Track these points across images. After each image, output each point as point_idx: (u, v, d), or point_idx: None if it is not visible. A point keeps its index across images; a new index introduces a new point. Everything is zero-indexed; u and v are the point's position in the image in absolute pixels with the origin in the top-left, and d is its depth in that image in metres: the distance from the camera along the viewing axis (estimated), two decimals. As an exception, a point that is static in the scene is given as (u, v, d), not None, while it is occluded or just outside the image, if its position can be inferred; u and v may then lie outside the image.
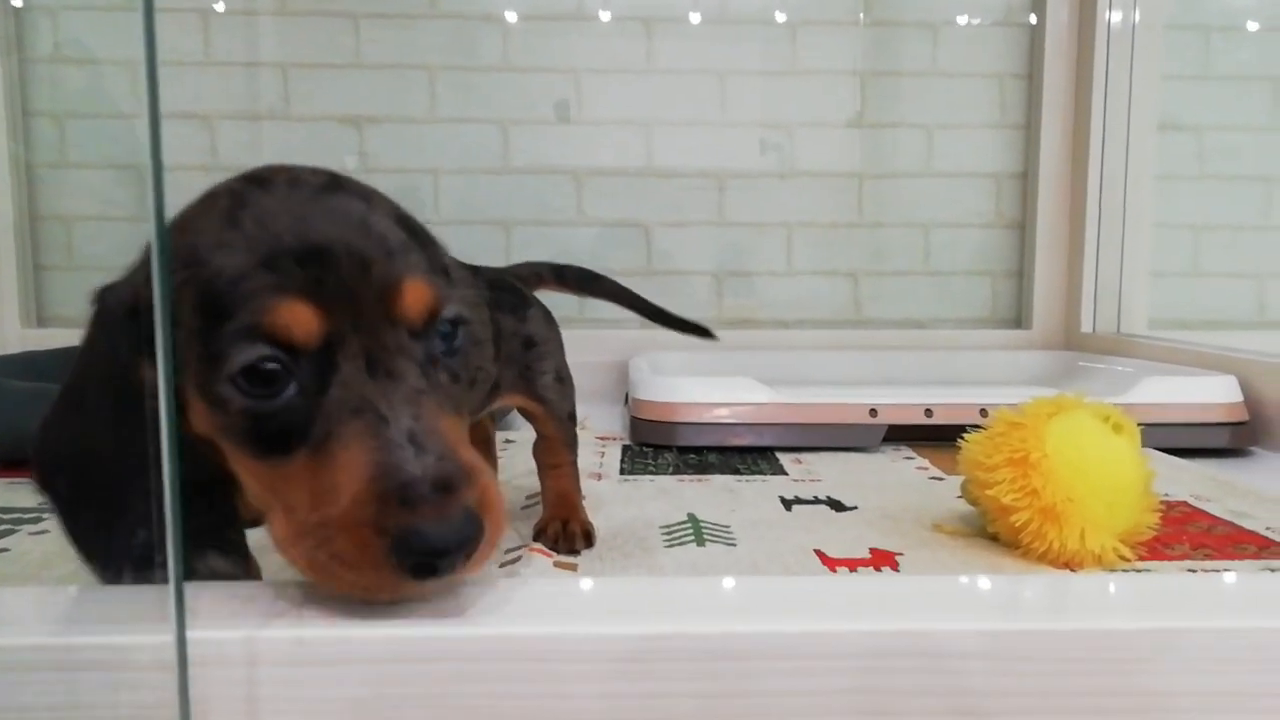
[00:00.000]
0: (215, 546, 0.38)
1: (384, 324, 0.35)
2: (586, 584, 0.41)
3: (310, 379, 0.34)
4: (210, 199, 0.38)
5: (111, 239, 1.45)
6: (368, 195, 0.39)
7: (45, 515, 0.72)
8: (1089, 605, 0.41)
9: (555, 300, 1.48)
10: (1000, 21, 1.47)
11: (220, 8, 1.43)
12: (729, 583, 0.42)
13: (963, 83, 1.48)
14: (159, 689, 0.26)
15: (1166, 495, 0.79)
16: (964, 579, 0.45)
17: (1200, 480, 0.85)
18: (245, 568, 0.40)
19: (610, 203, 1.47)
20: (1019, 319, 1.50)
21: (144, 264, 0.37)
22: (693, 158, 1.47)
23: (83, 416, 0.39)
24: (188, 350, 0.34)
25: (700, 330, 0.81)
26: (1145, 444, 0.65)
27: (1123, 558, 0.61)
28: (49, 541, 0.66)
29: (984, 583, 0.43)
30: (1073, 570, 0.61)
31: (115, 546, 0.37)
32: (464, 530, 0.32)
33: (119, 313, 0.37)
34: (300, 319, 0.33)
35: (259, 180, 0.37)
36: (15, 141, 1.41)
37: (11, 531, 0.68)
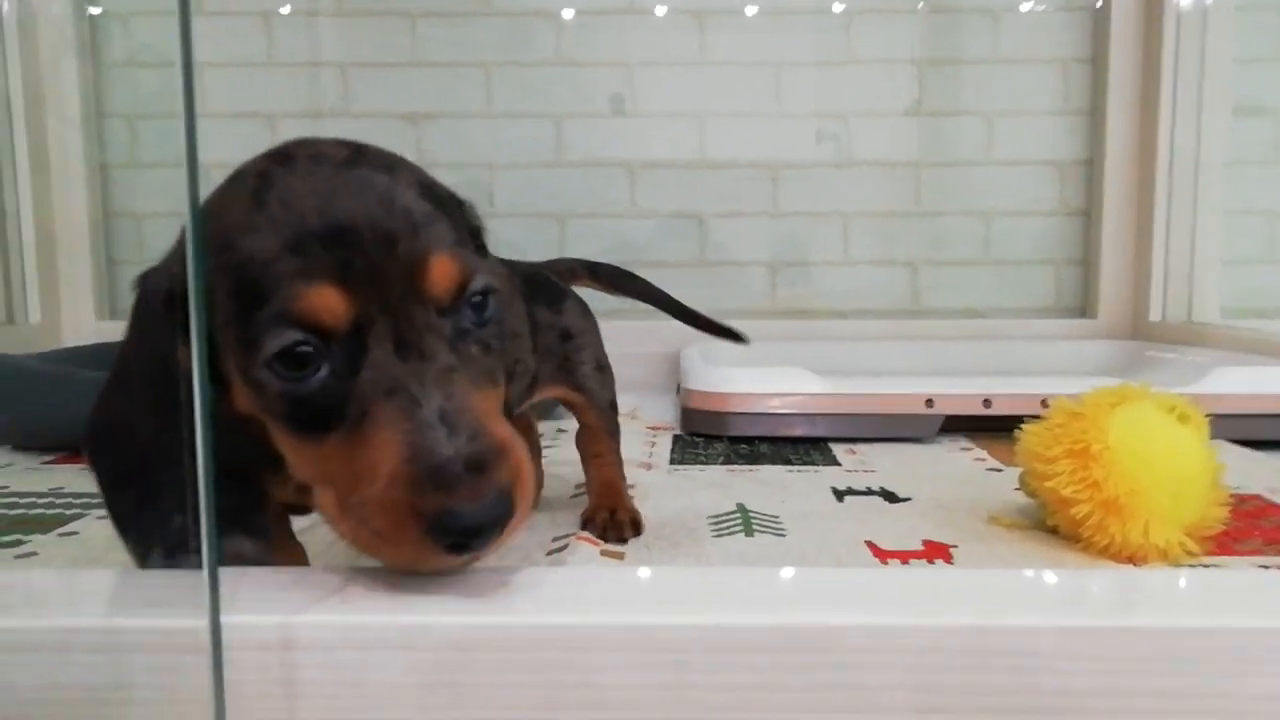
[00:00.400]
0: (242, 529, 0.39)
1: (412, 303, 0.35)
2: (632, 573, 0.41)
3: (342, 361, 0.34)
4: (237, 179, 0.38)
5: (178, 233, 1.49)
6: (391, 165, 0.38)
7: (113, 501, 0.75)
8: (1153, 601, 0.40)
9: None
10: (1063, 5, 1.43)
11: (286, 10, 1.46)
12: (778, 573, 0.42)
13: (1024, 69, 1.44)
14: (196, 672, 0.27)
15: (1238, 488, 0.76)
16: (1022, 572, 0.44)
17: (1275, 473, 0.81)
18: (269, 551, 0.41)
19: (664, 194, 1.47)
20: (1084, 308, 1.45)
21: (180, 249, 0.38)
22: (747, 148, 1.46)
23: (125, 399, 0.40)
24: (225, 333, 0.35)
25: (731, 334, 0.80)
26: (1217, 435, 0.63)
27: (1189, 552, 0.59)
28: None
29: (1043, 576, 0.42)
30: (1136, 565, 0.59)
31: (147, 528, 0.37)
32: (496, 509, 0.32)
33: (157, 298, 0.38)
34: (329, 304, 0.34)
35: (283, 157, 0.37)
36: (91, 142, 1.46)
37: (81, 515, 0.71)
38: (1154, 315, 1.36)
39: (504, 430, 0.35)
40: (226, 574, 0.31)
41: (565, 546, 0.63)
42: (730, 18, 1.44)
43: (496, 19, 1.45)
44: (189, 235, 0.30)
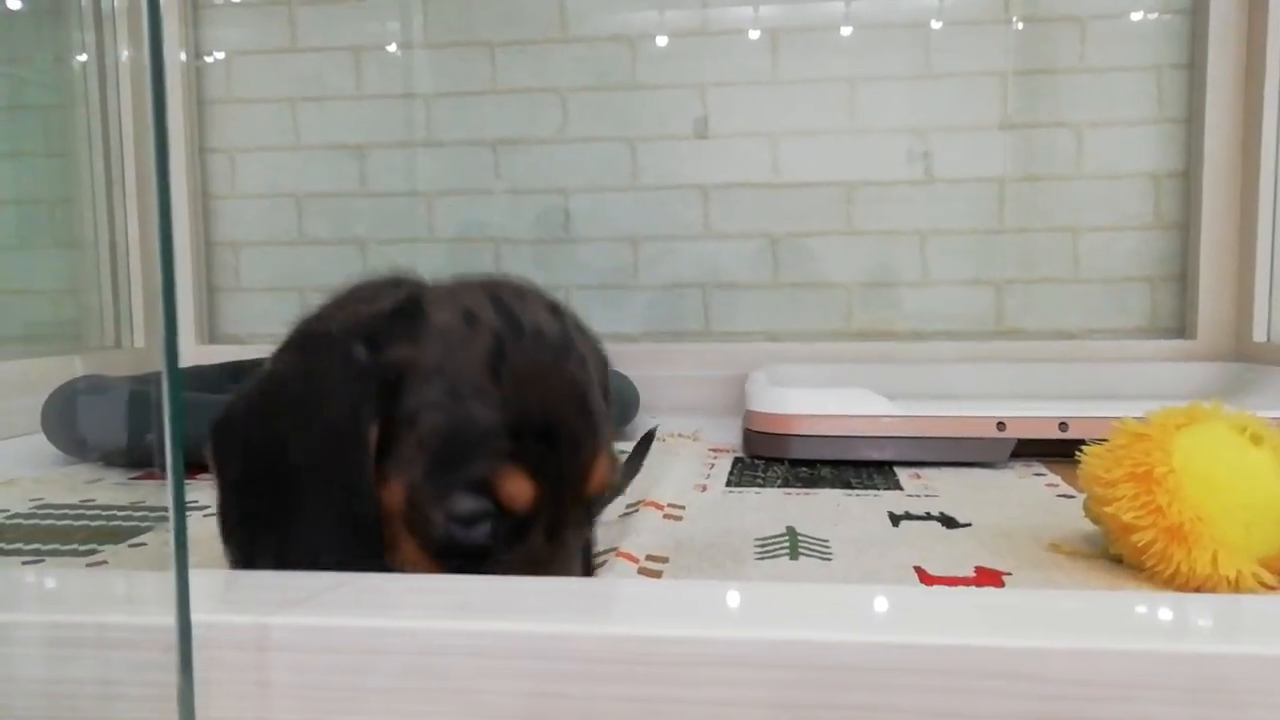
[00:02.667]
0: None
1: (571, 499, 0.41)
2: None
3: (506, 534, 0.40)
4: (470, 324, 0.41)
5: (275, 261, 1.57)
6: (584, 354, 0.44)
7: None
8: (1194, 627, 0.37)
9: (679, 312, 1.48)
10: (1157, 9, 1.37)
11: (382, 46, 1.52)
12: (802, 590, 0.41)
13: (1116, 77, 1.39)
14: (169, 670, 0.28)
15: (1332, 519, 0.70)
16: (1058, 595, 0.42)
17: (1380, 503, 0.75)
18: None
19: (739, 216, 1.46)
20: (1182, 328, 1.38)
21: (409, 343, 0.41)
22: (823, 168, 1.44)
23: (273, 425, 0.41)
24: (417, 454, 0.39)
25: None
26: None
27: (1263, 584, 0.55)
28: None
29: (1076, 601, 0.39)
30: (1202, 596, 0.55)
31: (257, 548, 0.40)
32: None
33: (373, 375, 0.40)
34: (522, 492, 0.39)
35: (509, 317, 0.42)
36: (193, 176, 1.54)
37: (152, 528, 0.74)
38: (1258, 335, 1.27)
39: None
40: (206, 575, 0.32)
41: (604, 563, 0.62)
42: (807, 35, 1.43)
43: (573, 45, 1.48)
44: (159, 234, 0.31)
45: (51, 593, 0.35)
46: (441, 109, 1.52)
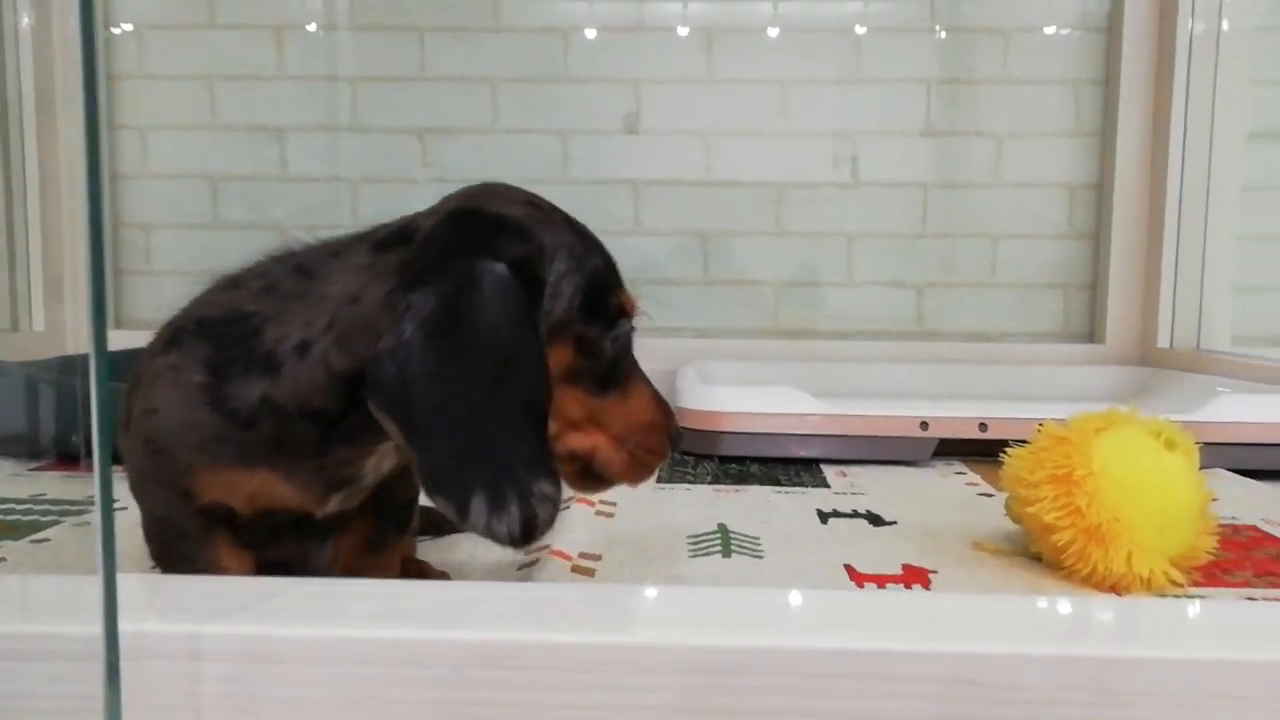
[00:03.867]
0: (545, 472, 0.42)
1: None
2: (558, 589, 0.40)
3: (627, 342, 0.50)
4: (543, 209, 0.49)
5: (188, 245, 1.50)
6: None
7: (90, 508, 0.75)
8: (1109, 629, 0.39)
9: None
10: (1076, 27, 1.42)
11: (303, 25, 1.47)
12: (728, 594, 0.41)
13: (1035, 90, 1.43)
14: (94, 681, 0.26)
15: (1233, 518, 0.74)
16: (983, 598, 0.43)
17: (1274, 503, 0.79)
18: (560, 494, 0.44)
19: (669, 213, 1.46)
20: (1092, 333, 1.43)
21: (490, 231, 0.45)
22: (753, 168, 1.45)
23: (464, 364, 0.42)
24: (574, 314, 0.46)
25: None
26: (1220, 464, 0.61)
27: (1173, 582, 0.57)
28: (89, 533, 0.68)
29: (1003, 603, 0.40)
30: (1118, 594, 0.57)
31: (475, 483, 0.40)
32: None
33: (516, 284, 0.44)
34: (633, 302, 0.49)
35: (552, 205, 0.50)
36: (101, 153, 1.47)
37: (56, 522, 0.70)
38: (1162, 342, 1.33)
39: None
40: (147, 579, 0.30)
41: (536, 561, 0.62)
42: (740, 36, 1.44)
43: (505, 35, 1.46)
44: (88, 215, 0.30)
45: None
46: (367, 93, 1.48)
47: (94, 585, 0.32)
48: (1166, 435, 0.60)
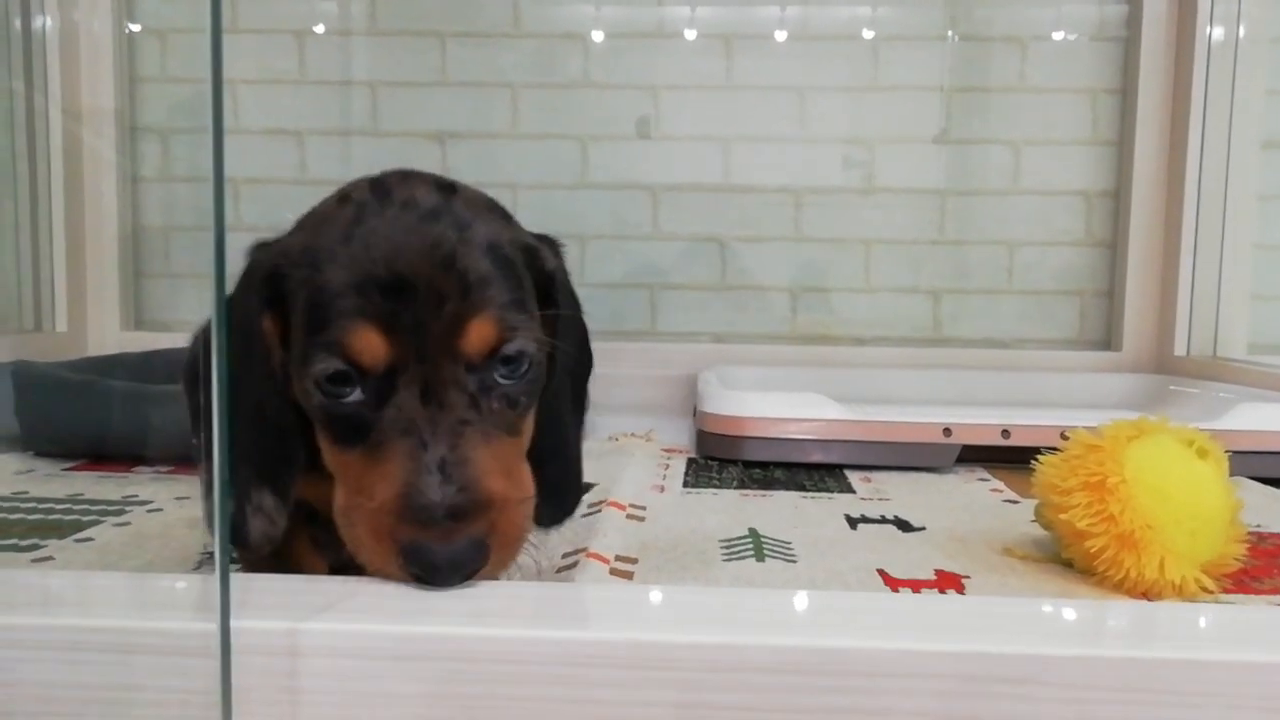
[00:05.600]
0: (271, 487, 0.41)
1: (445, 357, 0.40)
2: (640, 591, 0.41)
3: (373, 395, 0.40)
4: (342, 202, 0.43)
5: (205, 249, 1.51)
6: (470, 220, 0.42)
7: (127, 509, 0.76)
8: (1159, 633, 0.39)
9: (622, 311, 1.49)
10: (1094, 35, 1.43)
11: (320, 29, 1.48)
12: (783, 597, 0.41)
13: (1053, 98, 1.44)
14: (202, 676, 0.27)
15: (1259, 526, 0.74)
16: (1030, 601, 0.44)
17: (1298, 513, 0.80)
18: (284, 515, 0.42)
19: (687, 218, 1.47)
20: (1108, 341, 1.44)
21: (296, 233, 0.43)
22: (771, 173, 1.46)
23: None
24: (295, 338, 0.40)
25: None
26: (1240, 472, 0.62)
27: (1205, 589, 0.58)
28: (129, 533, 0.69)
29: (1046, 606, 0.41)
30: (1150, 600, 0.58)
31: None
32: (464, 555, 0.37)
33: (260, 270, 0.42)
34: (371, 346, 0.39)
35: (382, 193, 0.42)
36: (123, 156, 1.48)
37: (97, 522, 0.71)
38: (1178, 350, 1.34)
39: (499, 484, 0.39)
40: (236, 579, 0.31)
41: (575, 564, 0.63)
42: (758, 42, 1.45)
43: (525, 40, 1.47)
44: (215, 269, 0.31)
45: (58, 595, 0.33)
46: (388, 98, 1.49)
47: (186, 582, 0.33)
48: (1199, 444, 0.61)
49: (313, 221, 0.43)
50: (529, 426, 0.45)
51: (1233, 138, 1.33)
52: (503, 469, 0.40)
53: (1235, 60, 1.32)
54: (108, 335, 1.45)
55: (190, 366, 0.45)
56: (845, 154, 1.46)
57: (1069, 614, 0.37)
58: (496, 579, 0.40)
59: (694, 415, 1.12)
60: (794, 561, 0.65)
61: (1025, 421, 0.95)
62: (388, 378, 0.39)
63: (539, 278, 0.46)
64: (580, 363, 0.54)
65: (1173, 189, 1.36)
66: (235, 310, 0.42)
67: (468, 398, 0.40)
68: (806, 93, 1.46)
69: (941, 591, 0.60)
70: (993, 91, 1.45)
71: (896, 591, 0.60)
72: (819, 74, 1.45)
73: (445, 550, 0.36)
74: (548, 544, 0.67)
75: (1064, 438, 0.65)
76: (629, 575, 0.61)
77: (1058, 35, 1.43)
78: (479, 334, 0.40)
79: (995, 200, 1.46)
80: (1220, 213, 1.33)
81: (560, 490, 0.50)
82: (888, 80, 1.45)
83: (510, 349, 0.41)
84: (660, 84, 1.46)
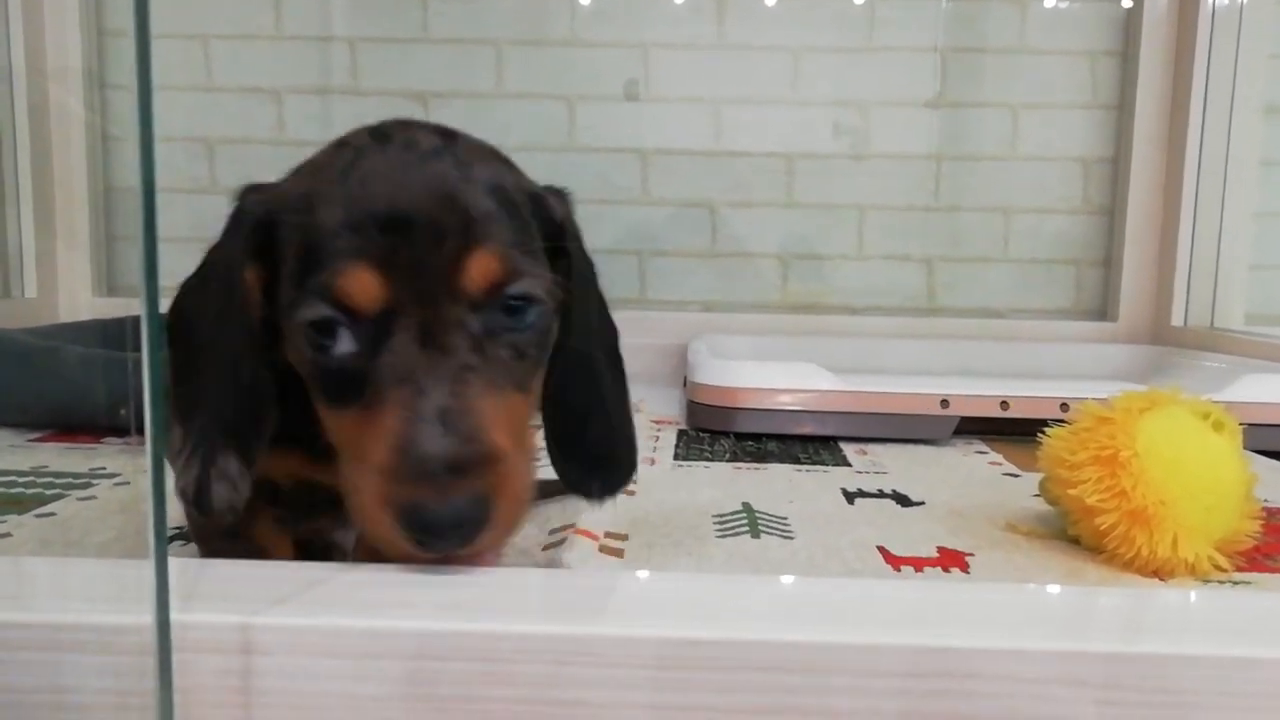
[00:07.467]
0: (238, 451, 0.38)
1: (445, 297, 0.36)
2: (627, 578, 0.38)
3: (368, 343, 0.36)
4: (340, 148, 0.40)
5: (182, 210, 1.47)
6: (472, 161, 0.40)
7: (94, 482, 0.72)
8: (1177, 623, 0.37)
9: (610, 278, 1.45)
10: (1093, -4, 1.39)
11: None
12: (782, 583, 0.39)
13: (1051, 60, 1.41)
14: (142, 675, 0.24)
15: (1267, 501, 0.72)
16: (1039, 587, 0.42)
17: (1305, 487, 0.78)
18: (247, 485, 0.39)
19: (677, 182, 1.43)
20: (1104, 310, 1.42)
21: (292, 179, 0.40)
22: (762, 137, 1.42)
23: (201, 296, 0.41)
24: (285, 289, 0.37)
25: None
26: (1244, 446, 0.60)
27: (1218, 568, 0.56)
28: (94, 507, 0.65)
29: (1059, 593, 0.39)
30: (1162, 580, 0.56)
31: (189, 423, 0.39)
32: (465, 513, 0.33)
33: (248, 219, 0.39)
34: (365, 286, 0.35)
35: (381, 137, 0.40)
36: (92, 113, 1.43)
37: (61, 495, 0.68)
38: (1176, 320, 1.32)
39: (503, 439, 0.35)
40: (184, 567, 0.28)
41: (563, 541, 0.60)
42: (750, 1, 1.41)
43: (510, -3, 1.42)
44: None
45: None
46: (368, 55, 1.44)
47: (135, 570, 0.30)
48: (1214, 417, 0.58)
49: (310, 168, 0.40)
50: (538, 386, 0.41)
51: (1235, 103, 1.30)
52: (509, 426, 0.36)
53: (1240, 23, 1.29)
54: (79, 301, 1.40)
55: (171, 322, 0.42)
56: (836, 120, 1.42)
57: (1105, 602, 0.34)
58: (500, 550, 0.37)
59: (684, 385, 1.09)
60: (791, 538, 0.62)
61: (1025, 393, 0.93)
62: (383, 323, 0.36)
63: (547, 228, 0.42)
64: (603, 317, 0.50)
65: (1173, 155, 1.33)
66: (216, 260, 0.41)
67: (470, 340, 0.36)
68: (800, 54, 1.42)
69: (945, 570, 0.57)
70: (989, 53, 1.41)
71: (898, 569, 0.57)
72: (812, 34, 1.41)
73: (445, 509, 0.32)
74: (535, 519, 0.64)
75: (1064, 409, 0.63)
76: (619, 553, 0.59)
77: (1059, -4, 1.39)
78: (481, 269, 0.36)
79: (991, 166, 1.43)
80: (1221, 180, 1.31)
81: (607, 458, 0.45)
82: (881, 41, 1.41)
83: (516, 289, 0.37)
84: (650, 42, 1.41)
